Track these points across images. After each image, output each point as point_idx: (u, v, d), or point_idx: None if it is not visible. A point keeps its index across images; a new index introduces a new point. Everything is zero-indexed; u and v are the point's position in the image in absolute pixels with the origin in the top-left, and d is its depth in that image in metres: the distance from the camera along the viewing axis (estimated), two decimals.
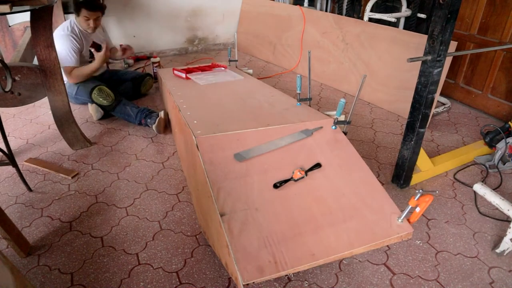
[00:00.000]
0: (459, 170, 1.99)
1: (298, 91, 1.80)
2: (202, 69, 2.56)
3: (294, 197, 1.26)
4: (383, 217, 1.22)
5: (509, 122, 2.01)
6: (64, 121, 2.10)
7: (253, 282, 1.00)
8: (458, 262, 1.43)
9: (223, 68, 2.62)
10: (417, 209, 1.17)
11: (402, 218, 1.20)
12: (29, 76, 1.89)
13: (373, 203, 1.27)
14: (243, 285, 0.99)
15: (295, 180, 1.31)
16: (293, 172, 1.33)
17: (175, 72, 2.46)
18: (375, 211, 1.24)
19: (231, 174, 1.31)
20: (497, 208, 1.50)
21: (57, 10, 2.77)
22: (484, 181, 1.91)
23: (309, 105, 1.85)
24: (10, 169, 1.94)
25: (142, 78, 2.82)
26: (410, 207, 1.18)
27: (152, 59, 3.10)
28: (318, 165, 1.38)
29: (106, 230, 1.58)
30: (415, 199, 1.15)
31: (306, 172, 1.34)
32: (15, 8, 1.58)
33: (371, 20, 2.90)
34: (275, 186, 1.29)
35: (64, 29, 2.37)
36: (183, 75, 2.37)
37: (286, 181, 1.31)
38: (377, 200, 1.28)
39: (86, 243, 1.52)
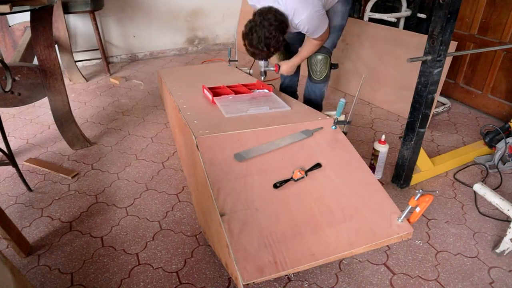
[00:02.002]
0: (459, 170, 1.99)
1: None
2: (238, 91, 1.94)
3: (294, 197, 1.26)
4: (383, 217, 1.22)
5: (509, 122, 2.01)
6: (64, 121, 2.10)
7: (253, 282, 1.00)
8: (458, 262, 1.43)
9: (266, 91, 1.95)
10: (417, 209, 1.17)
11: (402, 218, 1.20)
12: (29, 76, 1.89)
13: (373, 203, 1.27)
14: (243, 285, 0.99)
15: (295, 180, 1.31)
16: (293, 172, 1.33)
17: (204, 90, 1.92)
18: (375, 211, 1.24)
19: (231, 174, 1.31)
20: (497, 208, 1.50)
21: (57, 10, 2.76)
22: (484, 181, 1.91)
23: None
24: (10, 169, 1.94)
25: None
26: (410, 207, 1.18)
27: None
28: (318, 165, 1.38)
29: (106, 230, 1.58)
30: (415, 199, 1.15)
31: (306, 172, 1.34)
32: (15, 8, 1.58)
33: (371, 20, 2.91)
34: (275, 186, 1.29)
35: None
36: (210, 96, 1.82)
37: (286, 181, 1.31)
38: (377, 200, 1.28)
39: (86, 243, 1.52)
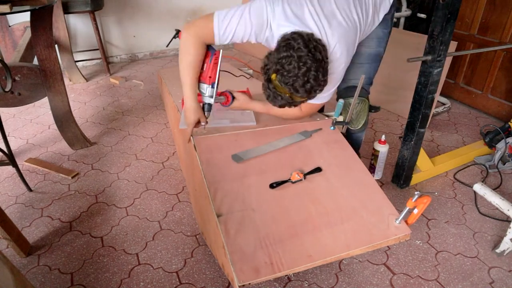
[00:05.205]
0: (459, 170, 1.98)
1: None
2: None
3: (291, 198, 1.26)
4: (380, 219, 1.22)
5: (509, 122, 2.00)
6: (64, 121, 2.10)
7: (249, 283, 1.00)
8: (458, 262, 1.43)
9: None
10: (415, 211, 1.17)
11: (400, 219, 1.20)
12: (29, 76, 1.90)
13: (370, 205, 1.27)
14: (239, 286, 0.99)
15: (293, 182, 1.30)
16: (291, 174, 1.32)
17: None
18: (373, 213, 1.24)
19: (229, 175, 1.31)
20: (497, 208, 1.50)
21: (57, 10, 2.77)
22: (484, 181, 1.91)
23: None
24: (10, 169, 1.94)
25: None
26: (408, 208, 1.17)
27: None
28: (318, 169, 1.36)
29: (106, 230, 1.59)
30: (413, 200, 1.15)
31: (305, 175, 1.33)
32: (15, 8, 1.59)
33: None
34: (271, 186, 1.28)
35: None
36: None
37: (283, 182, 1.30)
38: (375, 202, 1.28)
39: (86, 243, 1.52)
